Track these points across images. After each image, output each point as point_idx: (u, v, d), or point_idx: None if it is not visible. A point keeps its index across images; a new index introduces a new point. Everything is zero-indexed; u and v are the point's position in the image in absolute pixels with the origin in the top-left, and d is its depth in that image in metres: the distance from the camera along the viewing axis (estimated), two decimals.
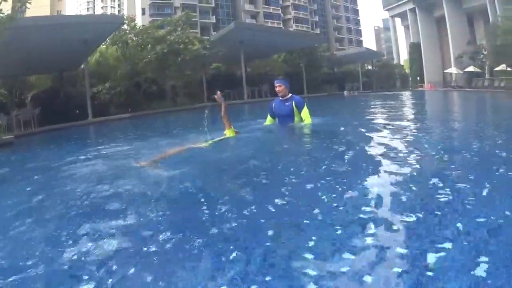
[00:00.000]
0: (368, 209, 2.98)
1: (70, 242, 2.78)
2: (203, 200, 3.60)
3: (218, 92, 7.02)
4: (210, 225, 2.95)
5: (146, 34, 30.44)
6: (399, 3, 68.86)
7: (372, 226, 2.63)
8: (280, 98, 7.92)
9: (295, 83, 39.44)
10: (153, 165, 5.28)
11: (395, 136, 7.37)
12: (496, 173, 3.94)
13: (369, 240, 2.43)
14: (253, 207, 3.25)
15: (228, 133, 6.95)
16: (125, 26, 30.39)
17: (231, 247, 2.47)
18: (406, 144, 6.09)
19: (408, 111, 16.73)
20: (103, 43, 29.38)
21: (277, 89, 7.89)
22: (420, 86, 58.75)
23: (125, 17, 33.53)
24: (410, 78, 66.08)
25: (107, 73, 29.61)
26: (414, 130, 8.51)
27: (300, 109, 7.71)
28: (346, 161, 5.05)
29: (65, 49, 22.89)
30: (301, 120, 7.76)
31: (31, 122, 21.84)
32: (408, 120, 11.49)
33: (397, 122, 10.48)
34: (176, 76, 31.11)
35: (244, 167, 5.09)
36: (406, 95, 34.80)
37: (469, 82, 47.27)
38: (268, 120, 8.29)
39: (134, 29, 31.08)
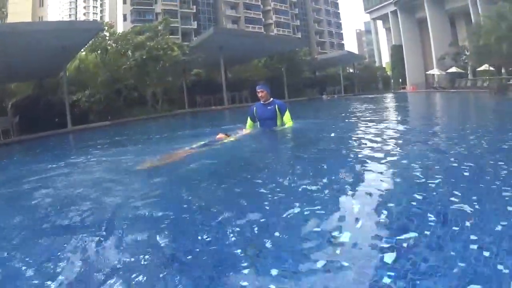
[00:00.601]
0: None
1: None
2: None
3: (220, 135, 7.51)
4: None
5: (126, 41, 30.27)
6: (381, 5, 68.88)
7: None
8: (262, 102, 8.17)
9: (276, 88, 39.38)
10: (152, 167, 5.67)
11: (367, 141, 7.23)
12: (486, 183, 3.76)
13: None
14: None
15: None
16: (105, 33, 30.17)
17: None
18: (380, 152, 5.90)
19: (386, 113, 16.77)
20: (83, 50, 29.12)
21: (259, 94, 8.14)
22: (403, 88, 58.98)
23: (104, 23, 33.25)
24: (392, 81, 66.30)
25: (87, 80, 29.33)
26: (389, 135, 8.26)
27: (282, 113, 8.02)
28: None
29: (44, 55, 22.73)
30: (283, 123, 8.07)
31: (10, 131, 21.48)
32: (384, 122, 11.50)
33: (373, 125, 10.41)
34: (156, 83, 30.93)
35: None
36: (387, 98, 35.02)
37: (452, 83, 47.56)
38: (248, 125, 8.42)
39: (113, 35, 30.85)
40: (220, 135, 7.50)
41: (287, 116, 8.04)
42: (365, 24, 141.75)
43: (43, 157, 11.09)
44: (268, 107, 8.07)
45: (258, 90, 8.14)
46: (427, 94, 38.95)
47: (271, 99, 8.20)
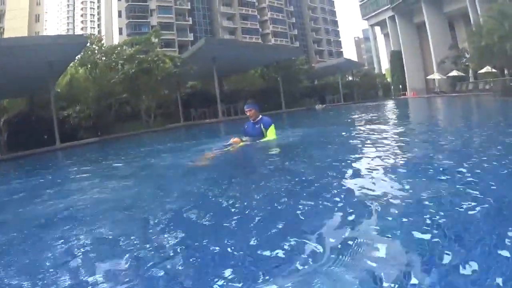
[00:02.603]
0: None
1: None
2: None
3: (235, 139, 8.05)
4: None
5: (115, 54, 29.65)
6: (378, 11, 68.64)
7: None
8: (252, 120, 8.44)
9: (273, 98, 38.88)
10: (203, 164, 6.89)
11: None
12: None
13: None
14: None
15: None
16: (94, 46, 29.52)
17: None
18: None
19: (387, 121, 15.85)
20: (71, 65, 28.50)
21: (247, 113, 8.43)
22: (403, 94, 58.59)
23: (92, 36, 32.57)
24: (392, 87, 65.64)
25: (78, 95, 28.85)
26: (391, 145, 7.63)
27: (266, 129, 8.25)
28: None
29: (31, 72, 22.44)
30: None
31: None
32: (384, 132, 10.59)
33: (371, 135, 9.76)
34: (148, 97, 30.33)
35: None
36: (387, 105, 34.12)
37: (453, 87, 46.97)
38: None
39: (101, 49, 30.15)
40: (235, 139, 8.00)
41: (270, 131, 8.26)
42: (364, 31, 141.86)
43: (32, 177, 10.43)
44: (256, 126, 8.35)
45: (246, 110, 8.41)
46: (429, 99, 38.15)
47: (260, 116, 8.44)
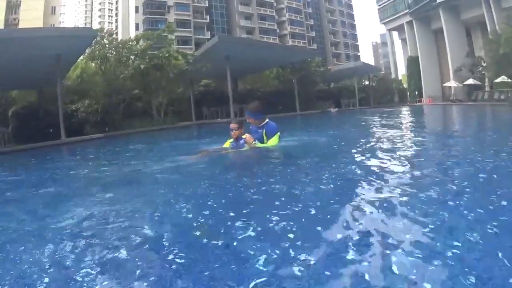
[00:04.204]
0: None
1: None
2: None
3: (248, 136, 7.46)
4: None
5: (127, 49, 29.15)
6: (396, 15, 68.39)
7: None
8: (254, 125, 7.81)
9: (287, 100, 38.25)
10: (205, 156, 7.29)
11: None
12: None
13: None
14: None
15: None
16: (104, 40, 29.02)
17: None
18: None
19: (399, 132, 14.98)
20: (82, 58, 28.15)
21: (247, 120, 7.85)
22: (419, 101, 57.99)
23: (104, 30, 32.06)
24: (408, 93, 64.93)
25: (88, 89, 28.50)
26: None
27: (268, 138, 7.55)
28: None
29: (39, 64, 22.13)
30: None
31: (2, 141, 21.24)
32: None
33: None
34: (160, 93, 29.87)
35: None
36: (402, 111, 33.17)
37: (469, 95, 46.14)
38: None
39: (112, 43, 29.62)
40: (248, 137, 7.42)
41: (272, 141, 7.53)
42: (381, 36, 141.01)
43: (27, 173, 9.87)
44: (259, 130, 7.64)
45: (246, 116, 7.85)
46: (445, 107, 37.11)
47: (266, 121, 7.69)
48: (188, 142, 14.72)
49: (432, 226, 2.81)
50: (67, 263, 2.67)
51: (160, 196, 4.62)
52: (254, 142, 7.40)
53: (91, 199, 4.71)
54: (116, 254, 2.75)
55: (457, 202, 3.42)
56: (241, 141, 7.54)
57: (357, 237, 2.68)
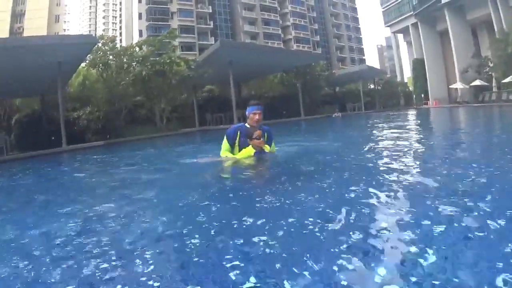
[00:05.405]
0: None
1: None
2: None
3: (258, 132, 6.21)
4: None
5: (127, 55, 28.94)
6: (401, 18, 68.08)
7: None
8: (249, 126, 6.43)
9: (292, 105, 37.93)
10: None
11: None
12: None
13: None
14: None
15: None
16: (105, 47, 28.80)
17: None
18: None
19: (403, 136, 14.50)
20: (83, 65, 28.05)
21: (256, 117, 6.36)
22: (425, 103, 57.63)
23: (105, 37, 31.80)
24: (414, 96, 64.51)
25: (90, 96, 28.39)
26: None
27: (269, 141, 6.54)
28: None
29: (40, 71, 22.08)
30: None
31: (4, 149, 20.94)
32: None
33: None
34: (163, 100, 29.65)
35: None
36: (408, 114, 32.65)
37: (476, 97, 45.67)
38: (224, 151, 6.74)
39: (112, 49, 29.39)
40: (259, 133, 6.15)
41: (273, 147, 6.71)
42: (386, 39, 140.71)
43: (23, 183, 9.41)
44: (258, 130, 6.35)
45: (257, 112, 6.37)
46: (451, 110, 36.61)
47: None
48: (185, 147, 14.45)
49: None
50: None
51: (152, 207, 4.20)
52: (264, 145, 6.29)
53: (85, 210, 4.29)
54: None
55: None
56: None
57: None
